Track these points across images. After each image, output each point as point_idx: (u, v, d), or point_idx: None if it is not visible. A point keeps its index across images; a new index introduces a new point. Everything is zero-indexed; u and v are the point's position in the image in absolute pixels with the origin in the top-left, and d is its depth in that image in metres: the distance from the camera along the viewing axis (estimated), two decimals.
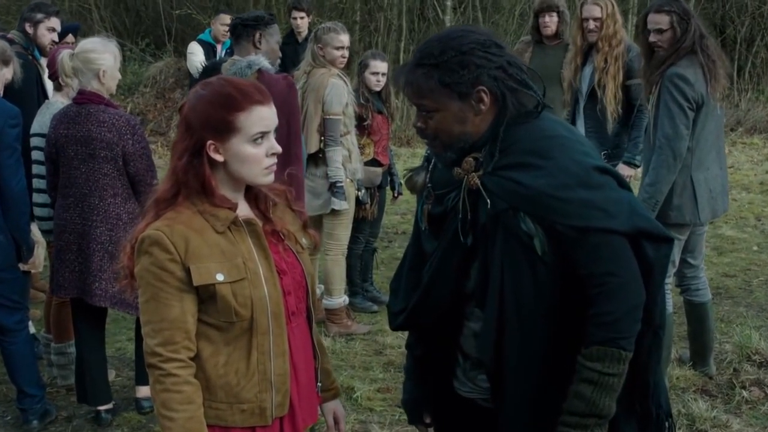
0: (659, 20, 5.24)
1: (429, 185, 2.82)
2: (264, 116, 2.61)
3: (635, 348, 2.56)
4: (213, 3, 16.59)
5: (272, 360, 2.64)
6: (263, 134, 2.61)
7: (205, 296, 2.57)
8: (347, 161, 6.59)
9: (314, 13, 10.81)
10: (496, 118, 2.64)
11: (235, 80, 2.66)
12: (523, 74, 2.65)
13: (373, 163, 7.10)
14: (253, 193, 2.75)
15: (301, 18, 9.49)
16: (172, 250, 2.55)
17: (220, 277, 2.56)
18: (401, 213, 10.45)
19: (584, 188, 2.54)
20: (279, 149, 2.65)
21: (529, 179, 2.55)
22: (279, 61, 5.80)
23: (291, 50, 8.97)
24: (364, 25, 17.18)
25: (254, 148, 2.60)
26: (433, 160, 2.84)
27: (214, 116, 2.57)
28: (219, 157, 2.60)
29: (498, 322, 2.63)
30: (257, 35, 5.57)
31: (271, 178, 2.67)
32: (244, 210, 2.71)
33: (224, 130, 2.57)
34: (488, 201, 2.60)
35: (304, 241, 2.85)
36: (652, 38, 5.29)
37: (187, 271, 2.54)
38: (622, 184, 2.65)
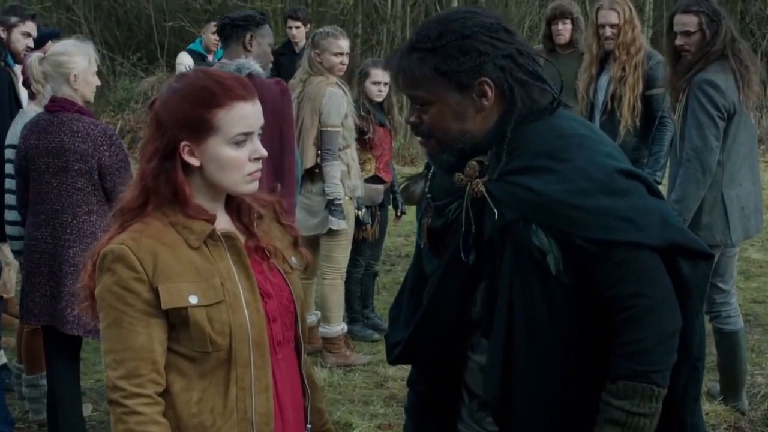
0: (687, 21, 5.14)
1: (428, 196, 2.63)
2: (247, 114, 2.41)
3: (670, 383, 2.34)
4: (207, 15, 16.52)
5: (254, 397, 2.43)
6: (246, 135, 2.41)
7: (176, 321, 2.37)
8: (346, 177, 6.47)
9: (313, 24, 10.75)
10: (502, 115, 2.44)
11: (216, 72, 2.47)
12: (535, 65, 2.45)
13: (375, 179, 6.98)
14: (235, 204, 2.55)
15: (297, 28, 9.61)
16: (138, 267, 2.35)
17: (193, 300, 2.36)
18: (404, 235, 10.34)
19: (607, 195, 2.34)
20: (264, 153, 2.45)
21: (541, 185, 2.35)
22: (271, 65, 5.65)
23: (287, 61, 9.12)
24: (366, 38, 17.20)
25: (235, 150, 2.40)
26: (433, 167, 2.63)
27: (189, 113, 2.37)
28: (194, 161, 2.40)
29: (506, 354, 2.42)
30: (248, 36, 5.45)
31: (254, 186, 2.47)
32: (223, 223, 2.50)
33: (200, 129, 2.38)
34: (495, 211, 2.39)
35: (293, 260, 2.65)
36: (678, 41, 5.18)
37: (155, 291, 2.35)
38: (652, 190, 2.44)
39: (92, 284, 2.43)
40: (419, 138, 2.54)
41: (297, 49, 9.44)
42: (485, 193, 2.42)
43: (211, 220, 2.44)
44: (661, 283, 2.34)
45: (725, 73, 5.01)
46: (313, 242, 6.44)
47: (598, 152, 2.41)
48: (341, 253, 6.65)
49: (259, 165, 2.46)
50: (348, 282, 6.97)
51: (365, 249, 7.17)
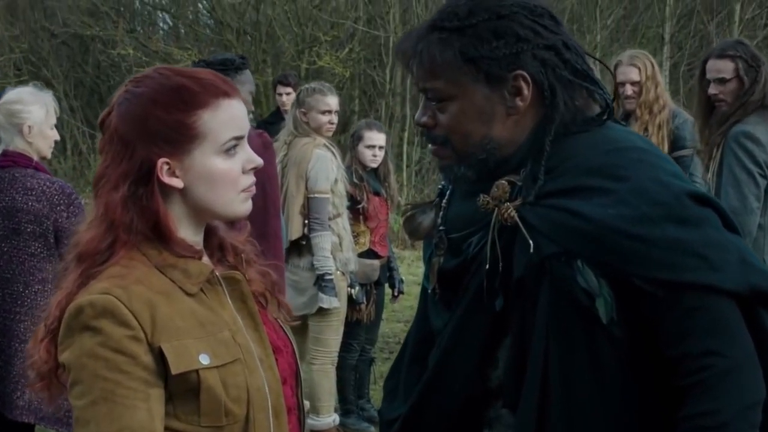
0: (722, 67, 5.02)
1: (441, 228, 2.32)
2: (235, 114, 2.08)
3: None
4: None
5: None
6: (238, 140, 2.07)
7: (178, 390, 1.98)
8: (337, 250, 6.23)
9: None
10: (539, 123, 2.16)
11: (184, 68, 2.13)
12: (584, 64, 2.16)
13: (369, 254, 6.80)
14: (215, 242, 2.20)
15: (287, 94, 9.59)
16: (133, 322, 1.94)
17: (204, 360, 1.98)
18: (404, 321, 10.12)
19: (676, 224, 2.05)
20: (259, 161, 2.12)
21: (591, 209, 2.07)
22: (251, 114, 5.39)
23: (275, 131, 8.81)
24: (363, 114, 17.45)
25: (227, 161, 2.06)
26: (447, 193, 2.34)
27: (165, 120, 2.01)
28: (177, 182, 2.04)
29: (538, 430, 2.15)
30: None
31: (249, 206, 2.13)
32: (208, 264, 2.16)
33: (182, 139, 2.02)
34: (530, 242, 2.09)
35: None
36: (712, 90, 5.04)
37: (156, 352, 1.95)
38: (728, 222, 2.14)
39: (49, 357, 2.03)
40: (431, 145, 2.24)
41: (286, 117, 9.37)
42: (518, 220, 2.13)
43: (200, 257, 2.10)
44: (741, 340, 2.05)
45: (765, 125, 4.88)
46: (301, 324, 6.14)
47: (663, 170, 2.12)
48: (333, 336, 6.40)
49: (253, 178, 2.13)
50: (341, 369, 6.75)
51: (359, 332, 6.93)
